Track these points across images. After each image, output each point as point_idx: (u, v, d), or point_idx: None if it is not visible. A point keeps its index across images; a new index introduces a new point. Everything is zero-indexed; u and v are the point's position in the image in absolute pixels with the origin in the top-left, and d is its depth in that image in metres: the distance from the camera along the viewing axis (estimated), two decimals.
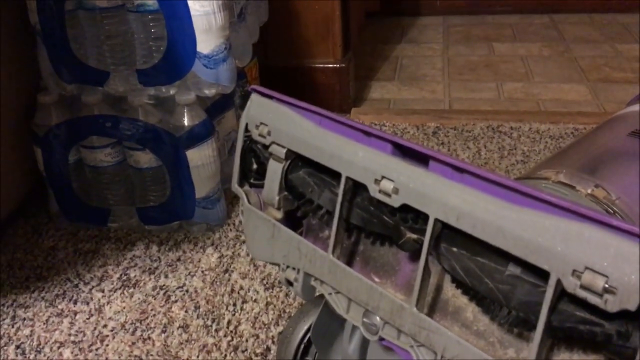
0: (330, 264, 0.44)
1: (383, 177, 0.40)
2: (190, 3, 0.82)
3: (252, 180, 0.53)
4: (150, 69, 0.86)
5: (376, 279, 0.45)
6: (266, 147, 0.49)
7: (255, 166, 0.53)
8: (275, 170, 0.49)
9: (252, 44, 1.07)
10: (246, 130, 0.51)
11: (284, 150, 0.48)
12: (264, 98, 0.50)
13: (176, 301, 0.80)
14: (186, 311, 0.78)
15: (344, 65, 1.32)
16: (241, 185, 0.53)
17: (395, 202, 0.39)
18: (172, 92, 0.88)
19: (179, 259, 0.88)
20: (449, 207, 0.36)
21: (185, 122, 0.88)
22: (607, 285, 0.29)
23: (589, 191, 0.52)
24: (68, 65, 0.86)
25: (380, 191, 0.40)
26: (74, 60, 0.86)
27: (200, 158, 0.89)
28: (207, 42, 0.85)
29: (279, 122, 0.48)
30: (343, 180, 0.43)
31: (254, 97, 0.51)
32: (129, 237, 0.94)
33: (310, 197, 0.47)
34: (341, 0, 1.28)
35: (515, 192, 0.34)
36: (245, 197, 0.52)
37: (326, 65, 1.31)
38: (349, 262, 0.47)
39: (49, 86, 0.89)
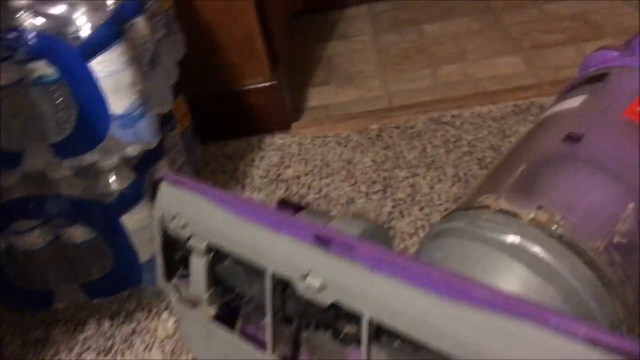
0: None
1: (309, 273, 0.37)
2: (92, 66, 0.77)
3: (180, 271, 0.50)
4: (64, 140, 0.80)
5: None
6: (185, 240, 0.46)
7: (179, 256, 0.49)
8: (198, 265, 0.45)
9: (172, 84, 1.02)
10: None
11: (204, 244, 0.44)
12: (176, 187, 0.46)
13: None
14: None
15: (274, 82, 1.27)
16: (169, 279, 0.49)
17: (325, 299, 0.36)
18: (92, 159, 0.82)
19: (133, 332, 0.84)
20: (381, 306, 0.33)
21: (113, 187, 0.83)
22: None
23: (531, 216, 0.50)
24: None
25: (308, 288, 0.37)
26: None
27: (138, 221, 0.85)
28: (119, 102, 0.79)
29: (193, 213, 0.44)
30: (268, 276, 0.39)
31: (164, 186, 0.47)
32: (79, 315, 0.89)
33: (240, 291, 0.44)
34: (258, 14, 1.24)
35: (448, 285, 0.31)
36: (175, 294, 0.48)
37: (257, 86, 1.27)
38: (295, 353, 0.43)
39: None
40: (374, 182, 1.07)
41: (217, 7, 1.20)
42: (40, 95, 0.78)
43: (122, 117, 0.80)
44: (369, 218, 0.95)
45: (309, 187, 1.09)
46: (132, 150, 0.83)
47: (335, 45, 1.76)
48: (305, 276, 0.37)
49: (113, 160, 0.83)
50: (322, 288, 0.36)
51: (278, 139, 1.26)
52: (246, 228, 0.40)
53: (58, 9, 0.75)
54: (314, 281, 0.36)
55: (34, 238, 0.85)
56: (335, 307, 0.36)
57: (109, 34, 0.77)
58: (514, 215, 0.51)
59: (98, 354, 0.81)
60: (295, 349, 0.44)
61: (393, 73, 1.51)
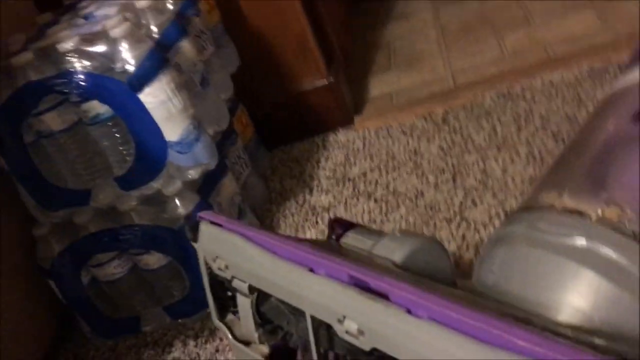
0: None
1: (345, 317, 0.35)
2: (142, 98, 0.78)
3: (232, 309, 0.49)
4: (127, 173, 0.83)
5: None
6: (229, 280, 0.45)
7: (230, 294, 0.49)
8: (244, 305, 0.45)
9: (227, 99, 1.03)
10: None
11: (246, 285, 0.43)
12: (215, 227, 0.46)
13: None
14: None
15: (332, 79, 1.25)
16: (222, 317, 0.49)
17: (364, 345, 0.34)
18: (156, 187, 0.84)
19: (217, 350, 0.85)
20: (418, 353, 0.31)
21: (180, 212, 0.85)
22: None
23: (599, 213, 0.45)
24: (48, 194, 0.84)
25: (347, 332, 0.35)
26: (52, 187, 0.84)
27: None
28: (173, 129, 0.81)
29: (232, 255, 0.44)
30: (308, 319, 0.38)
31: (203, 227, 0.47)
32: (165, 337, 0.92)
33: (289, 330, 0.43)
34: (308, 14, 1.22)
35: (487, 330, 0.29)
36: (228, 333, 0.48)
37: (314, 86, 1.25)
38: None
39: (38, 218, 0.87)
40: (443, 171, 1.03)
41: (266, 13, 1.19)
42: (98, 133, 0.81)
43: (178, 143, 0.81)
44: (420, 233, 0.91)
45: (376, 184, 1.06)
46: (193, 174, 0.85)
47: (394, 27, 1.71)
48: (342, 320, 0.35)
49: (176, 186, 0.84)
50: (360, 333, 0.34)
51: (342, 135, 1.24)
52: (282, 269, 0.39)
53: (102, 47, 0.77)
54: (351, 326, 0.34)
55: (114, 268, 0.88)
56: (378, 350, 0.34)
57: (153, 64, 0.78)
58: (580, 214, 0.46)
59: None
60: None
61: (456, 49, 1.45)
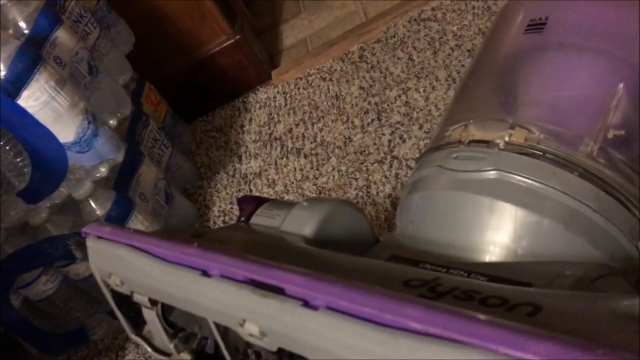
0: None
1: (245, 320, 0.32)
2: (22, 104, 0.71)
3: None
4: (29, 185, 0.76)
5: None
6: (130, 295, 0.41)
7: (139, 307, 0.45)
8: (151, 318, 0.41)
9: (126, 81, 0.96)
10: None
11: (146, 298, 0.39)
12: (101, 241, 0.41)
13: None
14: None
15: (238, 36, 1.19)
16: (138, 332, 0.45)
17: (270, 346, 0.31)
18: (65, 192, 0.78)
19: None
20: (320, 350, 0.28)
21: (98, 213, 0.80)
22: None
23: (506, 139, 0.43)
24: None
25: (250, 335, 0.32)
26: None
27: None
28: (65, 129, 0.74)
29: (122, 269, 0.40)
30: (212, 325, 0.35)
31: (89, 243, 0.42)
32: (117, 341, 0.88)
33: (204, 335, 0.39)
34: None
35: (385, 311, 0.26)
36: (147, 346, 0.44)
37: (221, 47, 1.19)
38: None
39: None
40: (367, 112, 0.99)
41: None
42: None
43: (75, 143, 0.75)
44: (328, 197, 0.88)
45: (304, 138, 1.03)
46: (102, 172, 0.79)
47: None
48: (243, 324, 0.31)
49: (86, 187, 0.79)
50: (263, 334, 0.31)
51: (261, 94, 1.19)
52: (173, 277, 0.35)
53: None
54: (252, 329, 0.31)
55: (43, 285, 0.83)
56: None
57: (25, 64, 0.71)
58: (487, 144, 0.43)
59: None
60: None
61: None
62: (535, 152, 0.42)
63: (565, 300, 0.29)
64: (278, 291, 0.30)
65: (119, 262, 0.39)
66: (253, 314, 0.31)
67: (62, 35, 0.79)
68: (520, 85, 0.46)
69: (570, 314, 0.26)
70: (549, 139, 0.42)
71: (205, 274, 0.34)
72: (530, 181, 0.41)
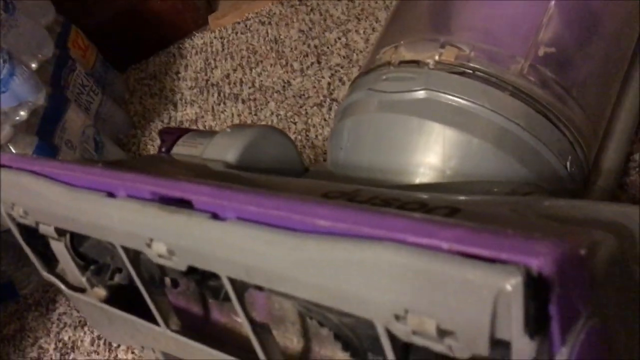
0: (173, 339, 0.35)
1: (152, 240, 0.29)
2: None
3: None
4: None
5: (238, 319, 0.36)
6: (35, 227, 0.38)
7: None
8: (60, 250, 0.38)
9: (49, 23, 0.90)
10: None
11: (52, 228, 0.36)
12: (4, 170, 0.38)
13: (118, 346, 0.72)
14: (132, 352, 0.71)
15: None
16: (51, 270, 0.42)
17: (179, 265, 0.29)
18: None
19: None
20: (231, 263, 0.26)
21: None
22: (441, 329, 0.20)
23: (436, 58, 0.41)
24: None
25: (159, 256, 0.29)
26: None
27: None
28: None
29: (26, 197, 0.36)
30: (120, 250, 0.32)
31: (3, 174, 0.39)
32: (47, 294, 0.85)
33: (117, 266, 0.37)
34: None
35: (293, 216, 0.24)
36: (61, 283, 0.41)
37: None
38: (205, 309, 0.37)
39: None
40: (306, 55, 0.96)
41: None
42: None
43: None
44: (254, 124, 0.86)
45: (241, 83, 0.99)
46: (22, 115, 0.74)
47: None
48: (150, 244, 0.29)
49: (6, 132, 0.73)
50: (171, 253, 0.28)
51: (197, 39, 1.14)
52: (77, 201, 0.32)
53: None
54: (160, 248, 0.29)
55: None
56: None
57: None
58: (417, 64, 0.41)
59: (75, 329, 0.78)
60: (205, 305, 0.38)
61: None
62: (466, 70, 0.40)
63: (485, 204, 0.28)
64: (186, 206, 0.28)
65: (21, 191, 0.36)
66: (160, 232, 0.28)
67: None
68: (451, 4, 0.44)
69: (489, 214, 0.25)
70: (480, 58, 0.41)
71: (110, 195, 0.31)
72: (460, 100, 0.39)
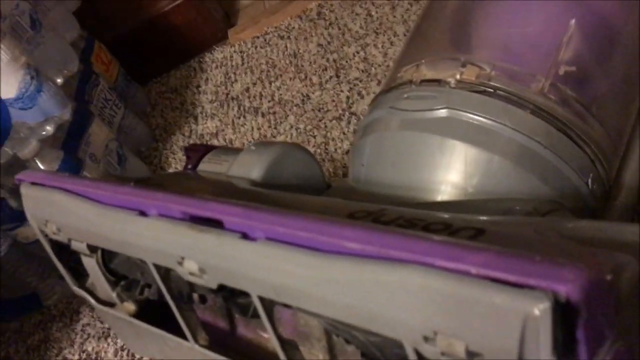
0: (201, 354, 0.36)
1: (183, 258, 0.30)
2: None
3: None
4: None
5: (265, 335, 0.37)
6: (68, 243, 0.39)
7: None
8: (91, 266, 0.39)
9: (74, 39, 0.92)
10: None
11: (84, 245, 0.38)
12: (36, 187, 0.39)
13: (141, 358, 0.73)
14: None
15: None
16: (81, 284, 0.43)
17: (210, 283, 0.30)
18: (10, 152, 0.75)
19: None
20: (261, 283, 0.27)
21: None
22: (470, 351, 0.20)
23: (458, 77, 0.42)
24: None
25: (190, 274, 0.30)
26: None
27: None
28: (7, 85, 0.71)
29: (58, 215, 0.38)
30: (152, 268, 0.33)
31: (23, 190, 0.40)
32: (71, 305, 0.86)
33: (147, 282, 0.38)
34: None
35: (320, 237, 0.24)
36: (90, 298, 0.43)
37: (175, 4, 1.15)
38: (232, 324, 0.38)
39: None
40: (325, 69, 0.97)
41: None
42: None
43: (17, 99, 0.71)
44: (277, 141, 0.87)
45: (261, 97, 1.00)
46: (48, 130, 0.76)
47: None
48: (182, 262, 0.30)
49: (32, 146, 0.75)
50: (202, 272, 0.29)
51: (218, 53, 1.16)
52: (109, 219, 0.33)
53: None
54: (191, 266, 0.30)
55: None
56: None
57: None
58: (439, 82, 0.42)
59: (99, 340, 0.79)
60: (232, 321, 0.39)
61: None
62: (487, 89, 0.41)
63: (509, 225, 0.29)
64: (216, 226, 0.29)
65: (54, 208, 0.37)
66: (191, 251, 0.29)
67: None
68: (472, 23, 0.45)
69: (514, 235, 0.25)
70: (500, 76, 0.41)
71: (142, 213, 0.32)
72: (481, 118, 0.40)
